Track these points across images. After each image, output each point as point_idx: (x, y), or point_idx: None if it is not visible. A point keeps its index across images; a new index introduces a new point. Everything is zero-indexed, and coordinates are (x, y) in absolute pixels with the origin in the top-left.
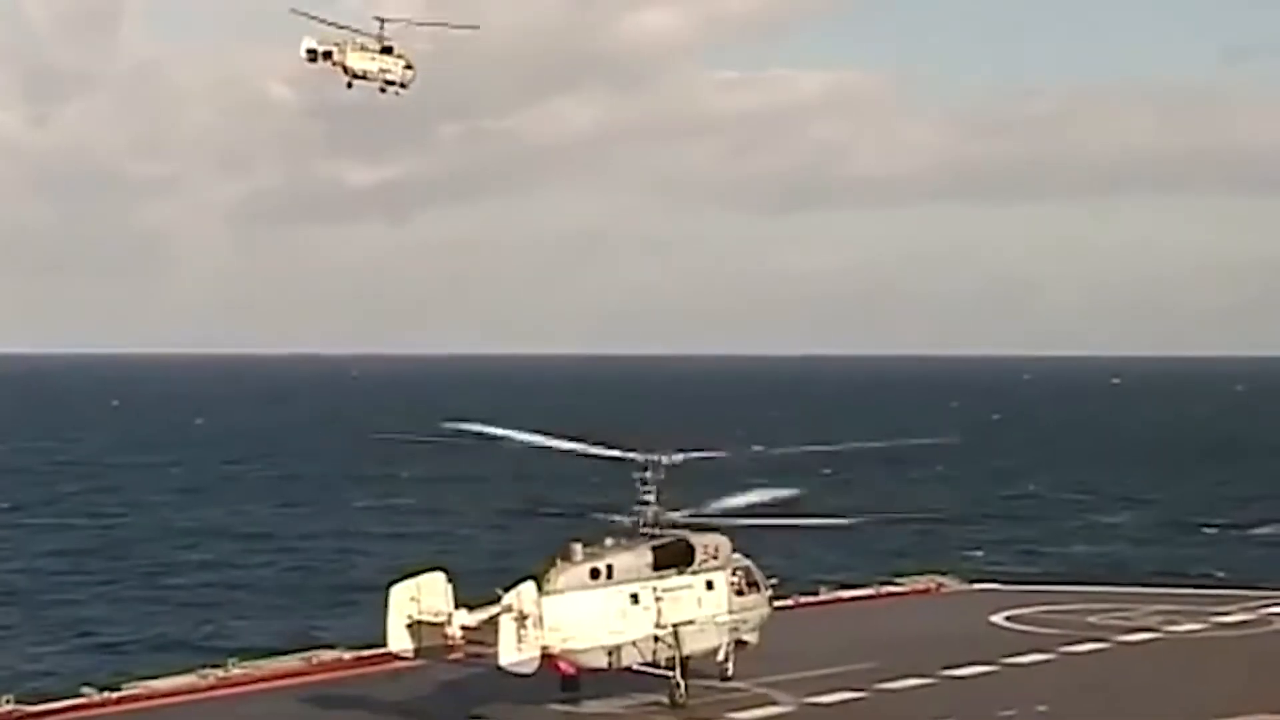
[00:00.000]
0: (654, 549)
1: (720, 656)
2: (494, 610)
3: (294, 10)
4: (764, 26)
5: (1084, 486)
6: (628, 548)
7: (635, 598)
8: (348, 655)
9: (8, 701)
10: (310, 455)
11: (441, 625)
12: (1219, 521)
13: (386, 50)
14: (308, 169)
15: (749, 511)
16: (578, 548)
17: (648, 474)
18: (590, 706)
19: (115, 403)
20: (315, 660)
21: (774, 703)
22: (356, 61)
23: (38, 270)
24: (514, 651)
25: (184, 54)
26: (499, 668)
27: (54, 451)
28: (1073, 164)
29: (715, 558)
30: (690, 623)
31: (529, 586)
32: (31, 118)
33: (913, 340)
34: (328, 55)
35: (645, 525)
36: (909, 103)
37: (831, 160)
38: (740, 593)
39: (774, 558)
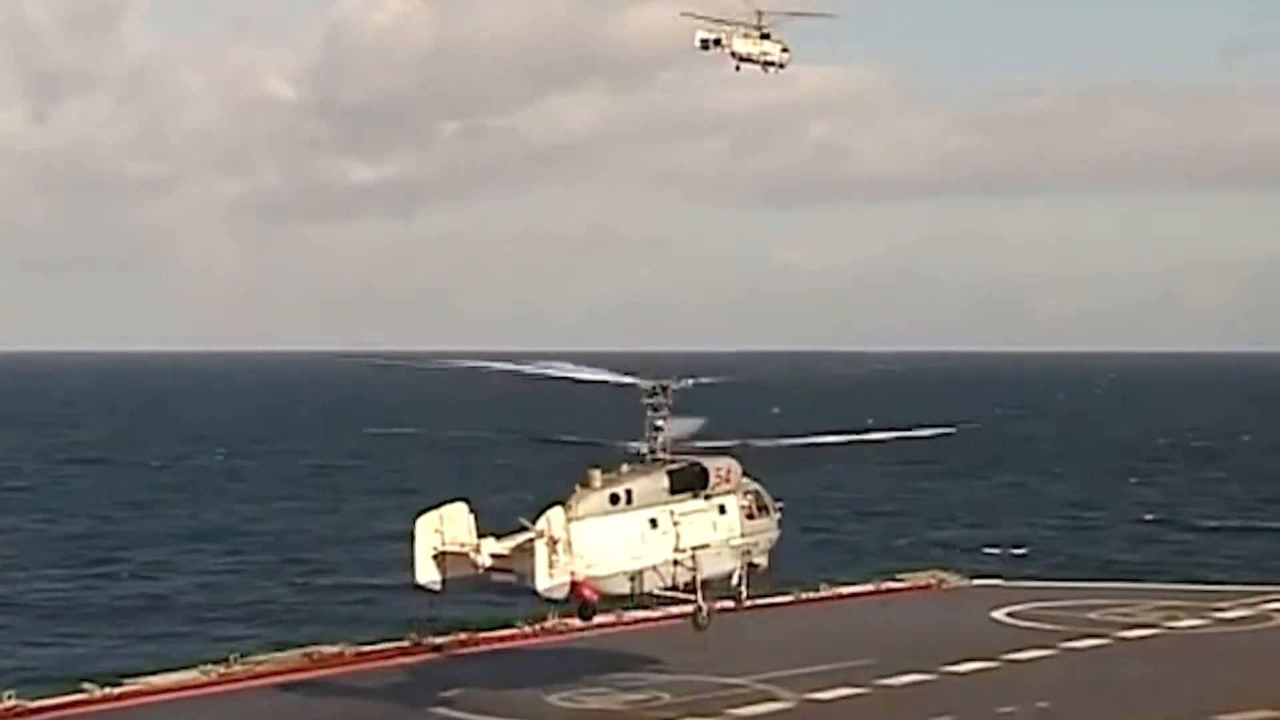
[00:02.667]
0: (670, 474)
1: (735, 580)
2: (523, 538)
3: (684, 12)
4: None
5: (1080, 482)
6: (645, 473)
7: (654, 522)
8: (349, 651)
9: (10, 698)
10: (311, 451)
11: (468, 555)
12: (1212, 518)
13: (765, 36)
14: (308, 167)
15: (757, 434)
16: (596, 474)
17: (658, 399)
18: (591, 703)
19: (114, 400)
20: (317, 656)
21: (775, 699)
22: (741, 46)
23: (37, 268)
24: (547, 577)
25: (184, 52)
26: (533, 592)
27: (53, 450)
28: (1071, 160)
29: (727, 481)
30: (706, 546)
31: (558, 511)
32: (31, 115)
33: (913, 336)
34: (717, 42)
35: (658, 451)
36: (909, 99)
37: (832, 156)
38: (751, 516)
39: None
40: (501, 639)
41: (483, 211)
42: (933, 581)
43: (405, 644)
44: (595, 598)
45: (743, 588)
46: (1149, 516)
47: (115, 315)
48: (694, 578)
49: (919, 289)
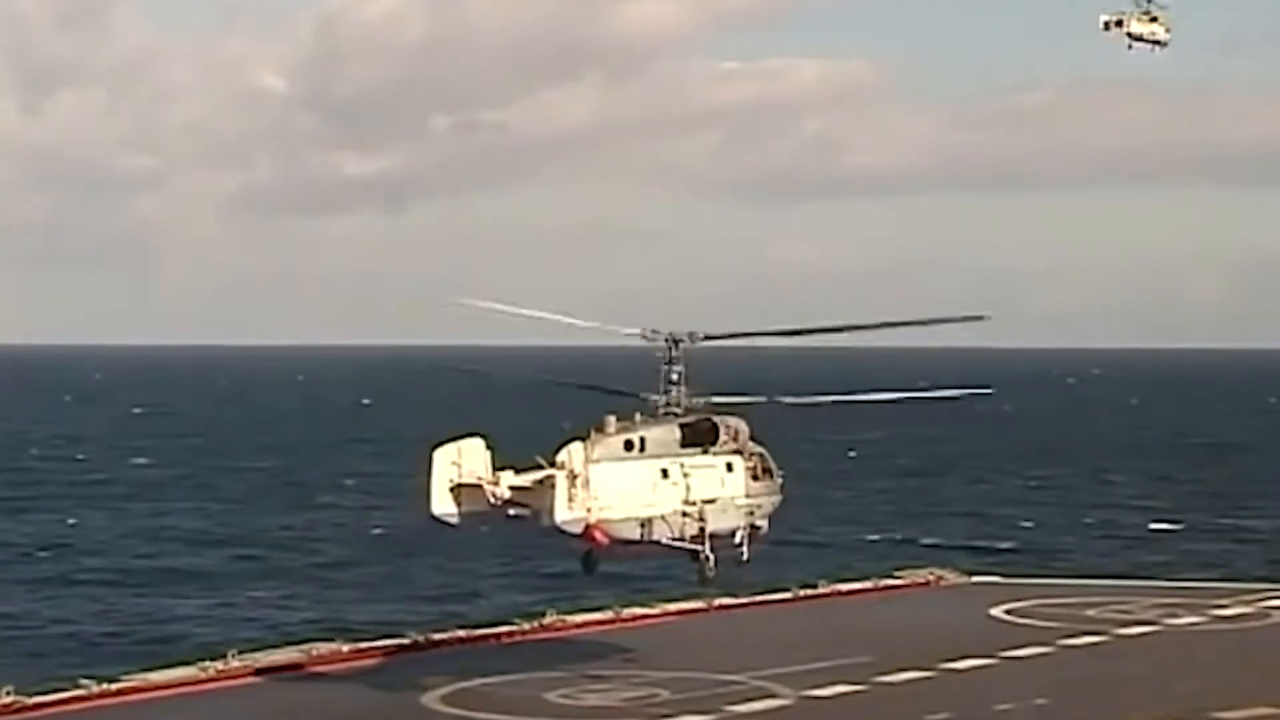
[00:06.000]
0: (681, 426)
1: (737, 540)
2: (543, 473)
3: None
4: (761, 17)
5: (1072, 481)
6: (658, 423)
7: (665, 472)
8: (346, 648)
9: (8, 693)
10: (304, 446)
11: (484, 488)
12: (1196, 517)
13: (1154, 20)
14: (301, 160)
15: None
16: (611, 420)
17: (674, 354)
18: (589, 700)
19: (107, 395)
20: (314, 653)
21: (773, 695)
22: (1137, 27)
23: (29, 262)
24: (566, 509)
25: (176, 45)
26: (553, 526)
27: (46, 443)
28: (1069, 156)
29: (735, 440)
30: (713, 501)
31: (579, 446)
32: (23, 109)
33: (908, 333)
34: (1119, 23)
35: (670, 405)
36: (906, 93)
37: (830, 151)
38: (756, 478)
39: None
40: (499, 636)
41: (477, 206)
42: (931, 579)
43: (403, 641)
44: (606, 541)
45: (745, 548)
46: (1124, 515)
47: (107, 310)
48: (702, 530)
49: (915, 285)
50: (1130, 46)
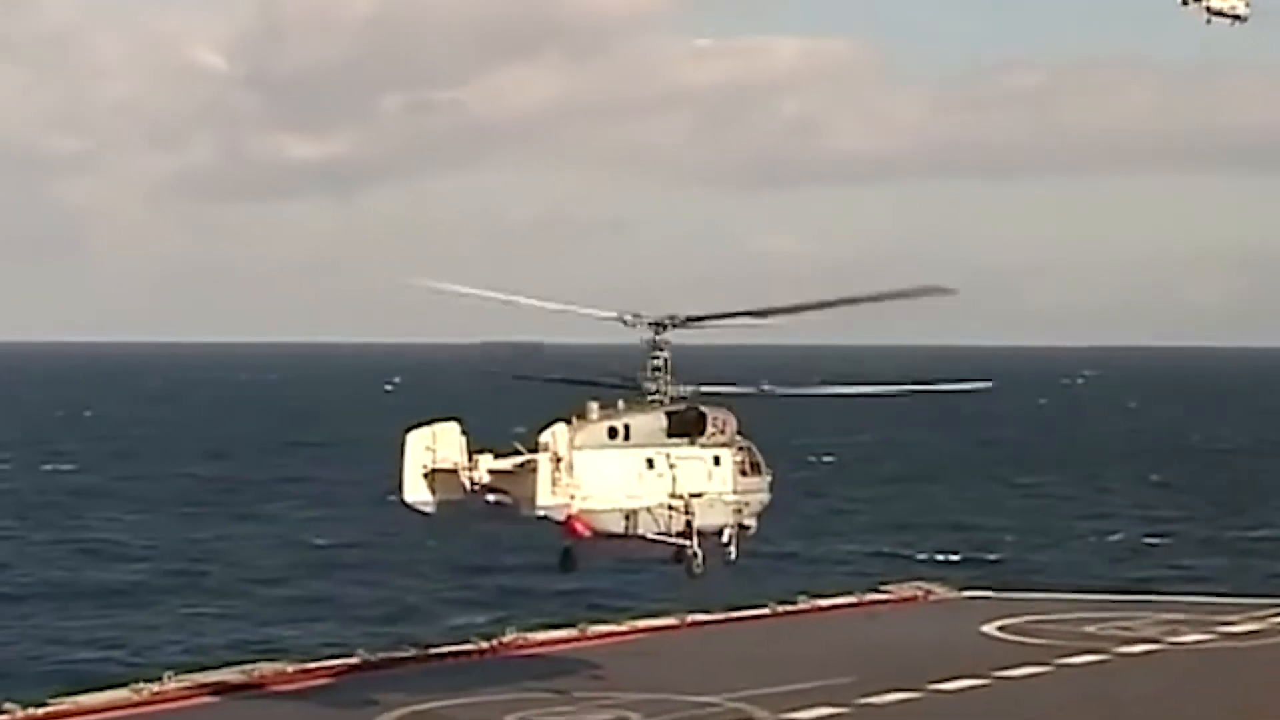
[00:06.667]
0: (668, 415)
1: (724, 538)
2: (524, 458)
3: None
4: None
5: (1062, 486)
6: (643, 410)
7: (651, 463)
8: (291, 668)
9: None
10: (238, 451)
11: (460, 474)
12: (1187, 524)
13: None
14: (242, 144)
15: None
16: (594, 406)
17: (659, 339)
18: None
19: (28, 395)
20: (256, 674)
21: (750, 718)
22: (1216, 1)
23: None
24: (549, 494)
25: (106, 18)
26: (535, 513)
27: None
28: (1064, 140)
29: (723, 433)
30: (701, 495)
31: (562, 428)
32: None
33: (898, 328)
34: None
35: (655, 392)
36: (893, 73)
37: (811, 134)
38: (744, 473)
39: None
40: (456, 655)
41: (432, 191)
42: (919, 593)
43: (353, 661)
44: (587, 533)
45: (732, 547)
46: (1107, 525)
47: (31, 303)
48: (688, 525)
49: (902, 278)
50: (1209, 21)
